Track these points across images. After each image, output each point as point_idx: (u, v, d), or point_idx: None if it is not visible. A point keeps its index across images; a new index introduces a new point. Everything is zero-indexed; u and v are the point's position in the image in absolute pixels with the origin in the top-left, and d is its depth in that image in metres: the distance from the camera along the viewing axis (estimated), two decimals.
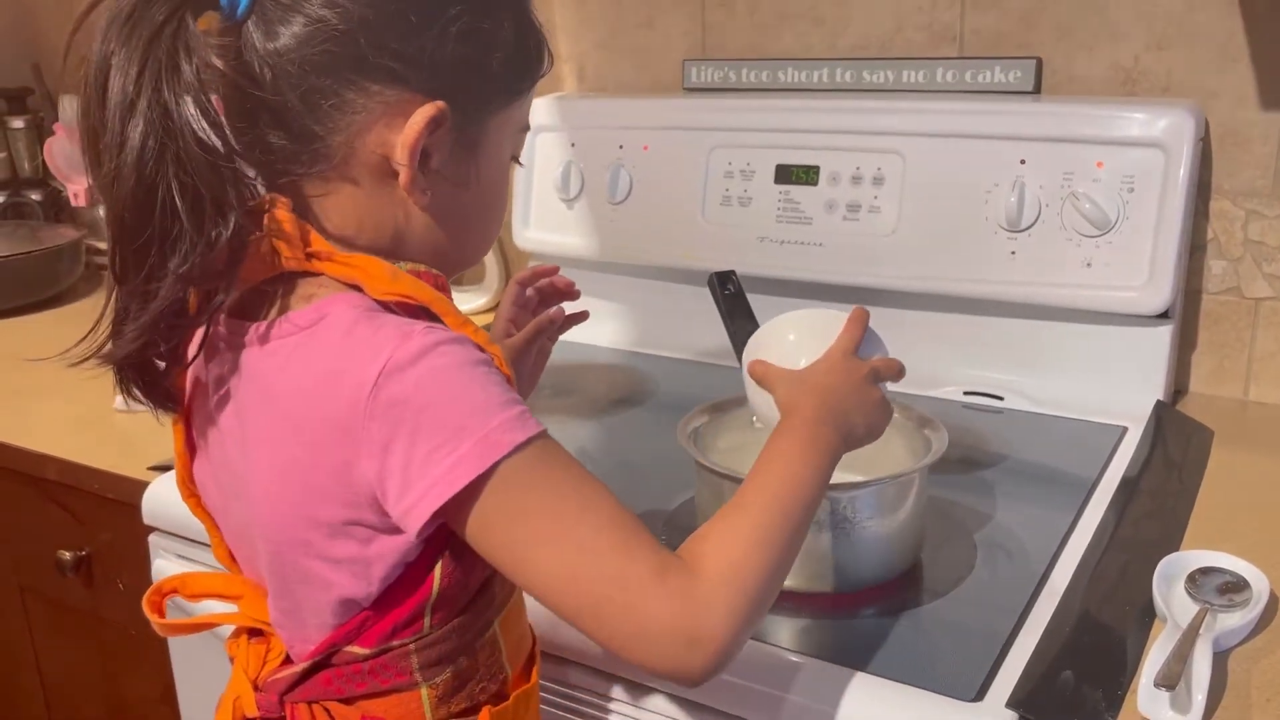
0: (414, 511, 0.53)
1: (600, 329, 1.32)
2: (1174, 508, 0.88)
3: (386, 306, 0.56)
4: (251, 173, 0.58)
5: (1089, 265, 1.04)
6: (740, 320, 1.05)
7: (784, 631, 0.72)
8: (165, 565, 0.97)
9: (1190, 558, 0.76)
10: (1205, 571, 0.74)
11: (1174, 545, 0.81)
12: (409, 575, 0.57)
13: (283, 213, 0.57)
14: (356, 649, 0.59)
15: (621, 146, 1.27)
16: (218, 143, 0.54)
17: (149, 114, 0.52)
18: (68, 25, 0.55)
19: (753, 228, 1.19)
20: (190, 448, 0.64)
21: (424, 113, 0.56)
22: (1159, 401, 1.04)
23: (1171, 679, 0.62)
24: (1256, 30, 1.03)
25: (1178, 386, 1.13)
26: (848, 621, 0.73)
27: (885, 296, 1.15)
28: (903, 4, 1.18)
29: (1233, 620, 0.70)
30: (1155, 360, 1.05)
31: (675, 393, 1.16)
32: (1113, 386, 1.05)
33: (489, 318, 1.43)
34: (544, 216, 1.34)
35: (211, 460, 0.63)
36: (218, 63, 0.55)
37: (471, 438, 0.52)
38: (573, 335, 1.32)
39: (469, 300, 1.47)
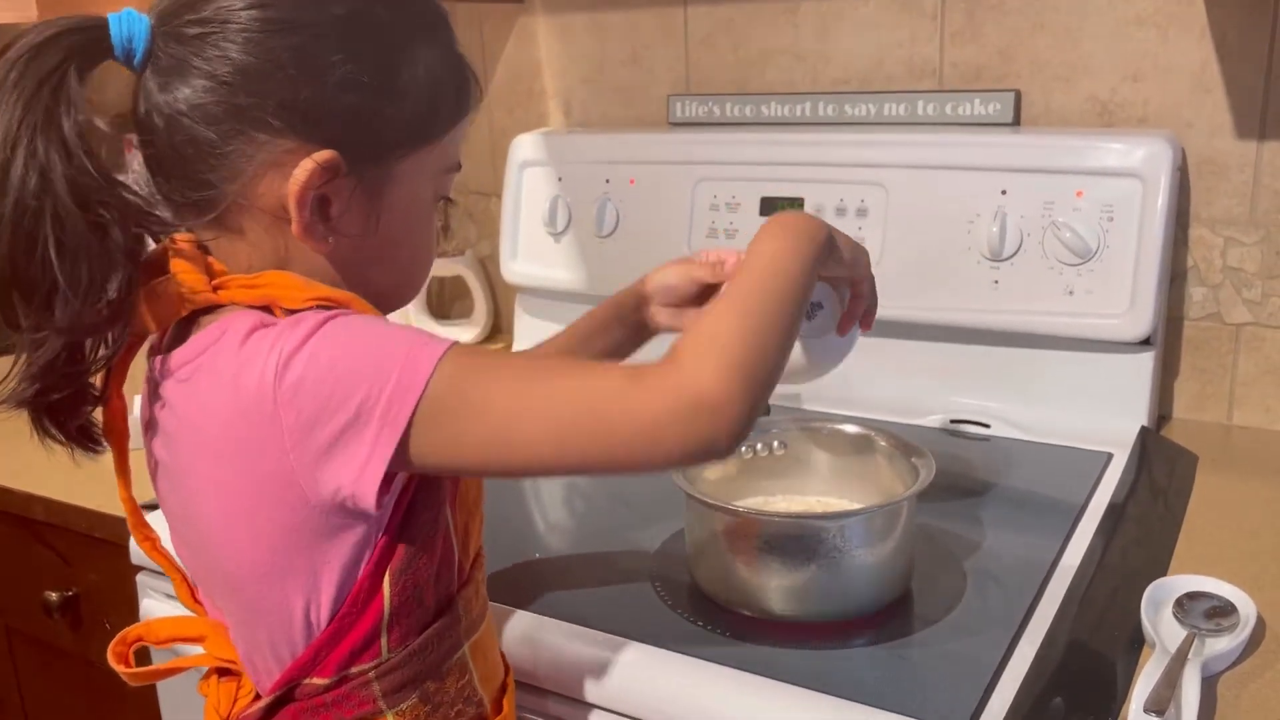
0: (367, 472, 0.52)
1: None
2: (1160, 533, 0.89)
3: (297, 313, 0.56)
4: (152, 220, 0.57)
5: (1071, 293, 1.05)
6: None
7: (775, 662, 0.72)
8: (153, 605, 0.97)
9: (1178, 583, 0.77)
10: (1193, 596, 0.75)
11: (1161, 570, 0.82)
12: (359, 595, 0.57)
13: (182, 256, 0.58)
14: (316, 680, 0.58)
15: (608, 180, 1.28)
16: (101, 197, 0.53)
17: (25, 167, 0.51)
18: None
19: None
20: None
21: (310, 162, 0.56)
22: (1143, 428, 1.05)
23: (1161, 704, 0.63)
24: (1229, 61, 1.05)
25: (1161, 412, 1.14)
26: (838, 651, 0.73)
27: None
28: (883, 39, 1.20)
29: (1221, 645, 0.70)
30: (1138, 387, 1.06)
31: None
32: (1097, 413, 1.06)
33: None
34: (532, 250, 1.35)
35: (162, 500, 0.63)
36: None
37: (394, 372, 0.52)
38: None
39: (457, 335, 1.47)
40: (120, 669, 0.66)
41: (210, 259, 0.59)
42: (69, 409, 0.58)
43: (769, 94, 1.26)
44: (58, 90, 0.53)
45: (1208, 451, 1.04)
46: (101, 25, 0.55)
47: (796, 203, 1.17)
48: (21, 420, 0.58)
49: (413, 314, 1.48)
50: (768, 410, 1.00)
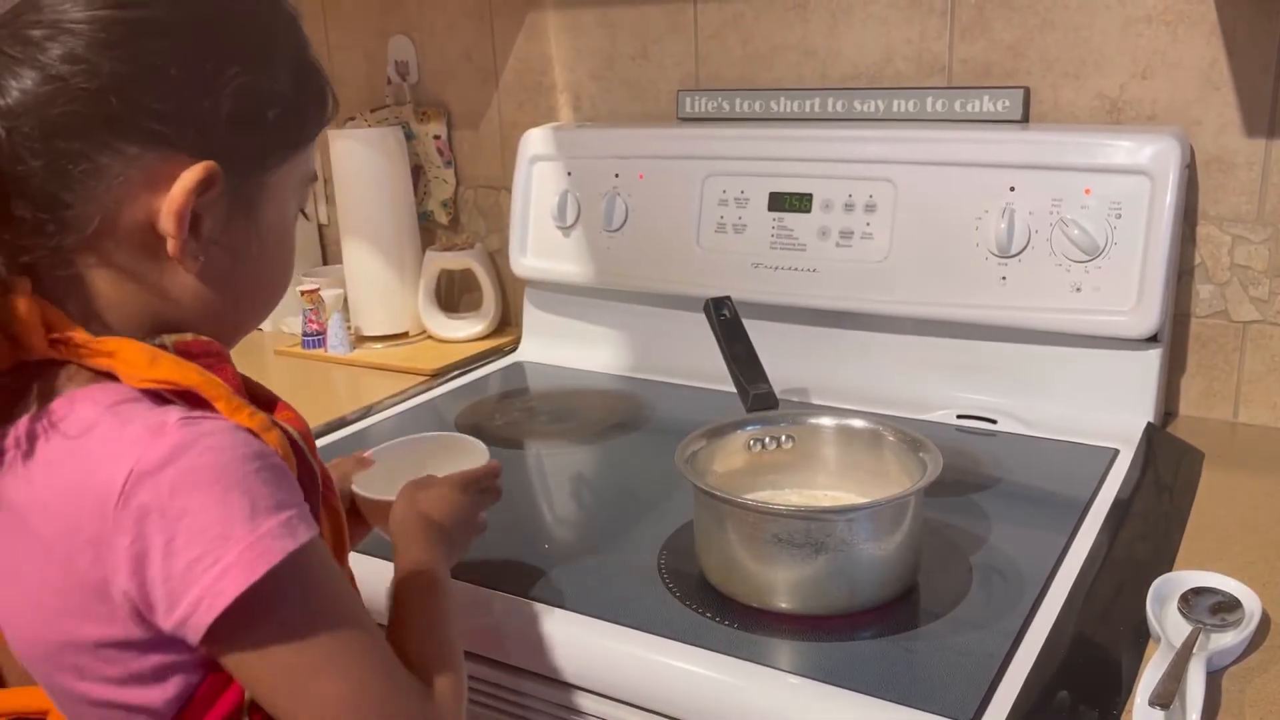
0: (189, 624, 0.49)
1: (597, 355, 1.33)
2: (1166, 529, 0.89)
3: (149, 393, 0.52)
4: None
5: (1078, 290, 1.05)
6: (736, 345, 1.07)
7: (782, 653, 0.73)
8: None
9: (1183, 578, 0.77)
10: (1198, 592, 0.75)
11: (1166, 566, 0.82)
12: (215, 679, 0.53)
13: (19, 300, 0.51)
14: None
15: (617, 175, 1.29)
16: None
17: None
18: None
19: (747, 254, 1.21)
20: None
21: (191, 175, 0.52)
22: (1149, 424, 1.05)
23: (1166, 698, 0.63)
24: (1238, 58, 1.05)
25: (1168, 409, 1.14)
26: (845, 643, 0.73)
27: (878, 321, 1.16)
28: (892, 35, 1.21)
29: (1226, 640, 0.71)
30: (1145, 383, 1.06)
31: (672, 417, 1.17)
32: (1104, 409, 1.06)
33: (488, 345, 1.45)
34: (541, 245, 1.35)
35: None
36: None
37: (235, 547, 0.48)
38: (570, 361, 1.34)
39: (465, 328, 1.48)
40: None
41: (47, 304, 0.53)
42: None
43: (778, 89, 1.27)
44: None
45: (1214, 448, 1.04)
46: None
47: (805, 198, 1.18)
48: None
49: (423, 307, 1.48)
50: (776, 403, 1.00)
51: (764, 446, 0.89)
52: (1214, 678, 0.68)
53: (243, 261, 0.58)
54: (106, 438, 0.50)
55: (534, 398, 1.28)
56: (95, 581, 0.49)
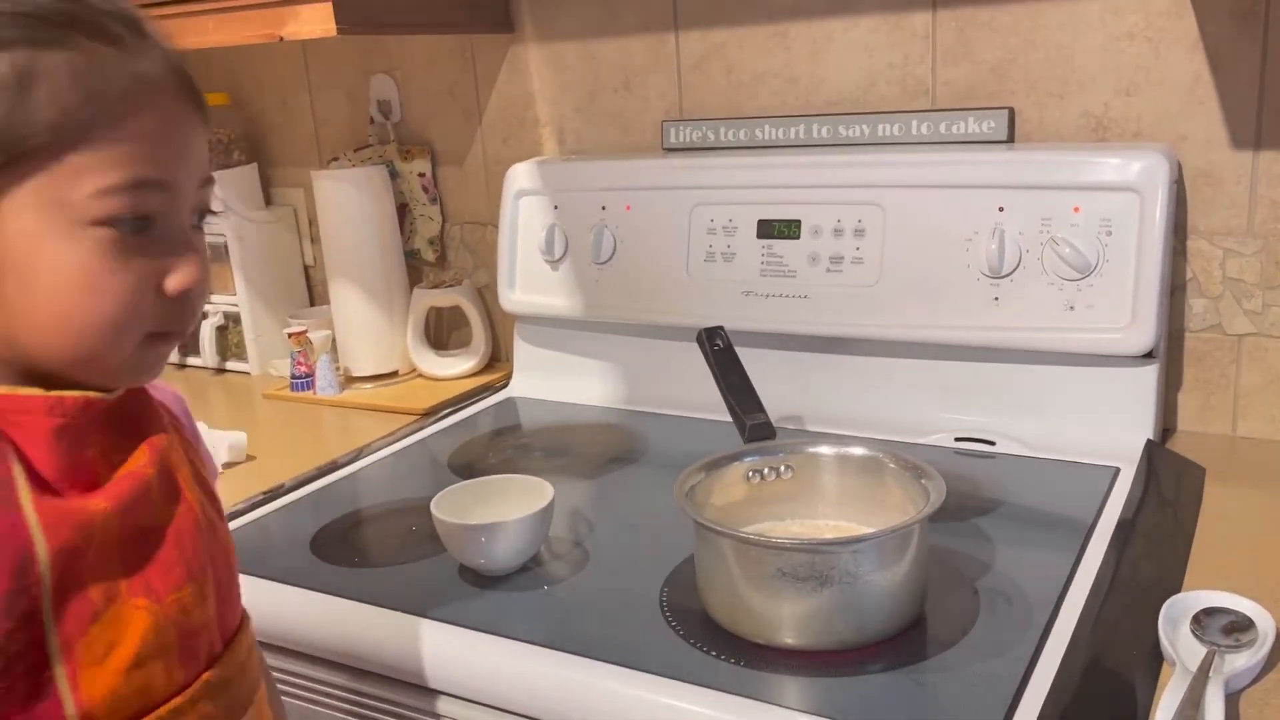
0: None
1: (590, 388, 1.32)
2: (1172, 548, 0.88)
3: None
4: None
5: (1072, 308, 1.05)
6: (730, 375, 1.06)
7: (790, 691, 0.71)
8: None
9: (1193, 599, 0.76)
10: (1209, 612, 0.74)
11: (1175, 586, 0.81)
12: None
13: None
14: None
15: (604, 207, 1.28)
16: None
17: None
18: None
19: (737, 282, 1.20)
20: None
21: None
22: (1149, 441, 1.05)
23: None
24: (1222, 72, 1.05)
25: (1166, 425, 1.13)
26: (854, 678, 0.72)
27: (871, 346, 1.16)
28: (875, 60, 1.21)
29: (1241, 661, 0.69)
30: (1143, 400, 1.05)
31: (668, 449, 1.16)
32: (1103, 428, 1.06)
33: (479, 381, 1.44)
34: (529, 279, 1.34)
35: None
36: None
37: None
38: (563, 395, 1.33)
39: (455, 366, 1.47)
40: None
41: None
42: None
43: (763, 117, 1.27)
44: None
45: (1214, 463, 1.03)
46: None
47: (793, 225, 1.17)
48: None
49: (412, 345, 1.47)
50: (773, 433, 0.99)
51: (763, 477, 0.88)
52: (1231, 700, 0.67)
53: (9, 291, 0.51)
54: None
55: (527, 434, 1.27)
56: None
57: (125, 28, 0.53)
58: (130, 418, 0.58)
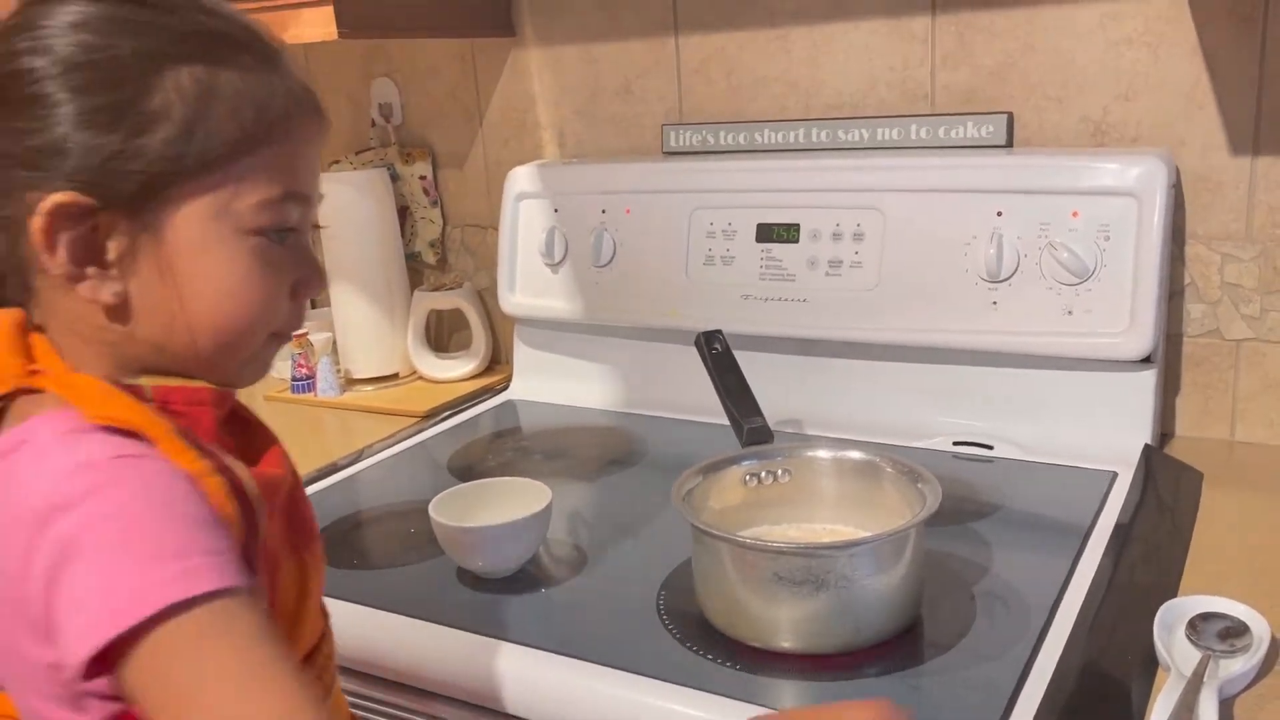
0: (69, 658, 0.48)
1: (589, 391, 1.33)
2: (1169, 552, 0.88)
3: (105, 427, 0.53)
4: None
5: (1070, 313, 1.05)
6: (728, 379, 1.06)
7: (787, 695, 0.71)
8: None
9: (1189, 603, 0.76)
10: (1205, 617, 0.74)
11: (1171, 591, 0.81)
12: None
13: (2, 329, 0.55)
14: None
15: (604, 210, 1.28)
16: None
17: None
18: None
19: (736, 286, 1.20)
20: None
21: (43, 206, 0.53)
22: (1147, 445, 1.05)
23: None
24: (1220, 77, 1.05)
25: (1164, 430, 1.13)
26: (850, 682, 0.72)
27: (870, 350, 1.16)
28: (874, 64, 1.21)
29: (1235, 666, 0.70)
30: (1141, 405, 1.05)
31: (666, 452, 1.16)
32: (1101, 432, 1.06)
33: (479, 384, 1.44)
34: (529, 282, 1.35)
35: None
36: None
37: (127, 586, 0.47)
38: (562, 398, 1.33)
39: (456, 368, 1.47)
40: None
41: (34, 338, 0.56)
42: None
43: (762, 121, 1.27)
44: None
45: (1212, 468, 1.03)
46: None
47: (792, 229, 1.18)
48: None
49: (413, 347, 1.47)
50: (771, 437, 0.99)
51: (760, 481, 0.88)
52: (1225, 705, 0.67)
53: (164, 293, 0.56)
54: (43, 464, 0.51)
55: (526, 436, 1.27)
56: (21, 602, 0.50)
57: (274, 51, 0.59)
58: (249, 418, 0.65)
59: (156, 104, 0.54)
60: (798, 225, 1.17)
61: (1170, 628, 0.74)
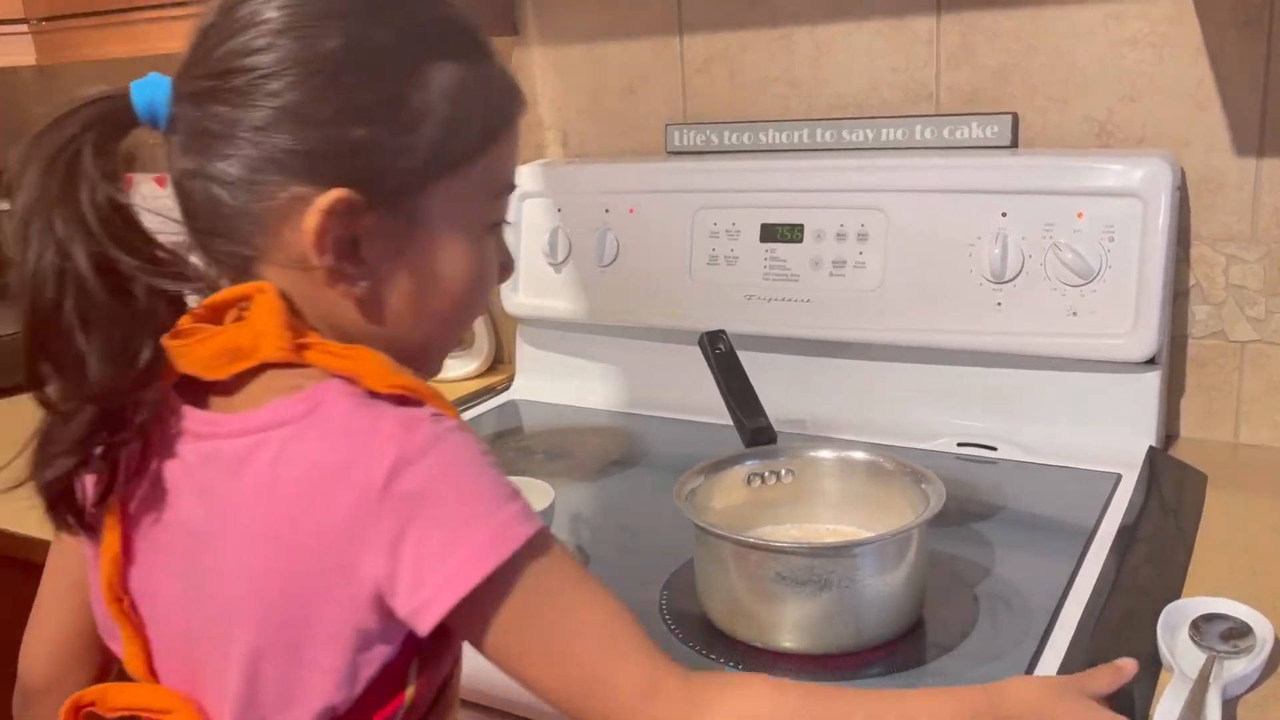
0: (429, 607, 0.51)
1: (591, 391, 1.32)
2: (1173, 554, 0.88)
3: (379, 397, 0.54)
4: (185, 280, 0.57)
5: (1074, 314, 1.05)
6: (732, 379, 1.06)
7: None
8: None
9: (1192, 605, 0.76)
10: (1208, 618, 0.74)
11: (1175, 592, 0.81)
12: (382, 684, 0.54)
13: (269, 301, 0.55)
14: None
15: (607, 210, 1.28)
16: (127, 269, 0.53)
17: (42, 238, 0.52)
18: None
19: (740, 286, 1.20)
20: (126, 551, 0.58)
21: (320, 205, 0.54)
22: (1151, 447, 1.04)
23: None
24: (1225, 78, 1.05)
25: (1169, 431, 1.13)
26: (853, 682, 0.72)
27: (874, 350, 1.16)
28: (877, 64, 1.21)
29: (1239, 667, 0.69)
30: (1145, 406, 1.05)
31: (669, 452, 1.16)
32: (1105, 434, 1.06)
33: (481, 383, 1.44)
34: (532, 282, 1.34)
35: (158, 565, 0.58)
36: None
37: (484, 530, 0.51)
38: (564, 398, 1.33)
39: (458, 367, 1.47)
40: None
41: (298, 313, 0.56)
42: (91, 493, 0.56)
43: (766, 121, 1.27)
44: (73, 164, 0.53)
45: (1217, 470, 1.03)
46: (124, 94, 0.55)
47: (796, 229, 1.17)
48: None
49: None
50: (774, 437, 0.99)
51: (764, 481, 0.88)
52: (1229, 706, 0.67)
53: (409, 284, 0.58)
54: (366, 428, 0.52)
55: (529, 436, 1.27)
56: (338, 565, 0.51)
57: (489, 40, 0.60)
58: None
59: (417, 102, 0.55)
60: (802, 225, 1.17)
61: (1174, 629, 0.74)
